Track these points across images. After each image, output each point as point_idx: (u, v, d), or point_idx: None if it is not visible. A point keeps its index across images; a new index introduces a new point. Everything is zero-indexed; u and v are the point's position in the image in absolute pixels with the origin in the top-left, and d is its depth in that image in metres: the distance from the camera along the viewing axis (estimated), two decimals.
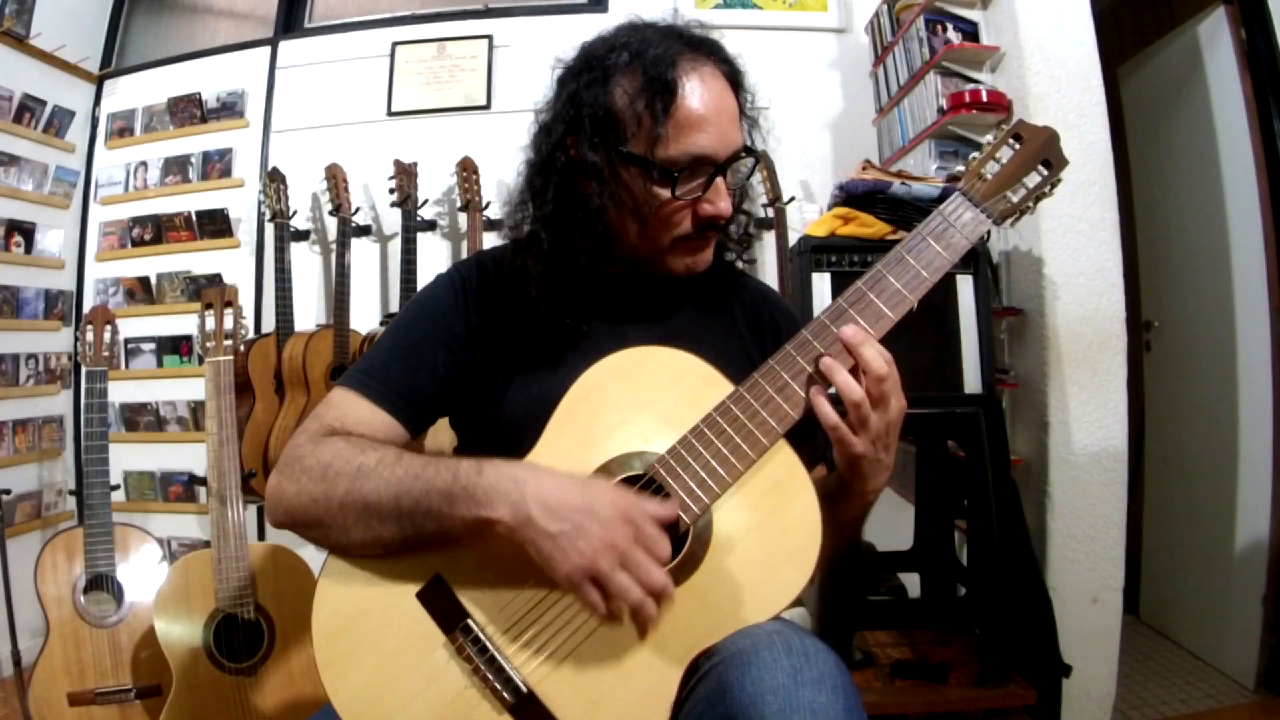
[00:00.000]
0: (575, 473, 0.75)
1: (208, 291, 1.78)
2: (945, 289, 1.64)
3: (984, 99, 1.89)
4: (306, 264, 2.58)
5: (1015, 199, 0.83)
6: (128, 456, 2.59)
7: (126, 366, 2.63)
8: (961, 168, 0.85)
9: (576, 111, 0.85)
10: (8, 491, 2.22)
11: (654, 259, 0.88)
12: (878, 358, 0.74)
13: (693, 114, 0.81)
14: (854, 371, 0.75)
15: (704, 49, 0.85)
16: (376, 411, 0.85)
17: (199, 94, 2.67)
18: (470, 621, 0.74)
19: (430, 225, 2.51)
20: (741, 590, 0.73)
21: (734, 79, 0.87)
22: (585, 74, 0.86)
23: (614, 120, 0.83)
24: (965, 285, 1.64)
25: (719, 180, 0.84)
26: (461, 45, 2.60)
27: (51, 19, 2.54)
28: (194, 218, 2.62)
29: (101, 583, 1.76)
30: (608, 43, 0.87)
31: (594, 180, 0.85)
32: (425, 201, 2.45)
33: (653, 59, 0.82)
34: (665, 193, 0.83)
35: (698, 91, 0.82)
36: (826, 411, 0.75)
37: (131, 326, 2.60)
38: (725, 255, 0.97)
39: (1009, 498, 1.67)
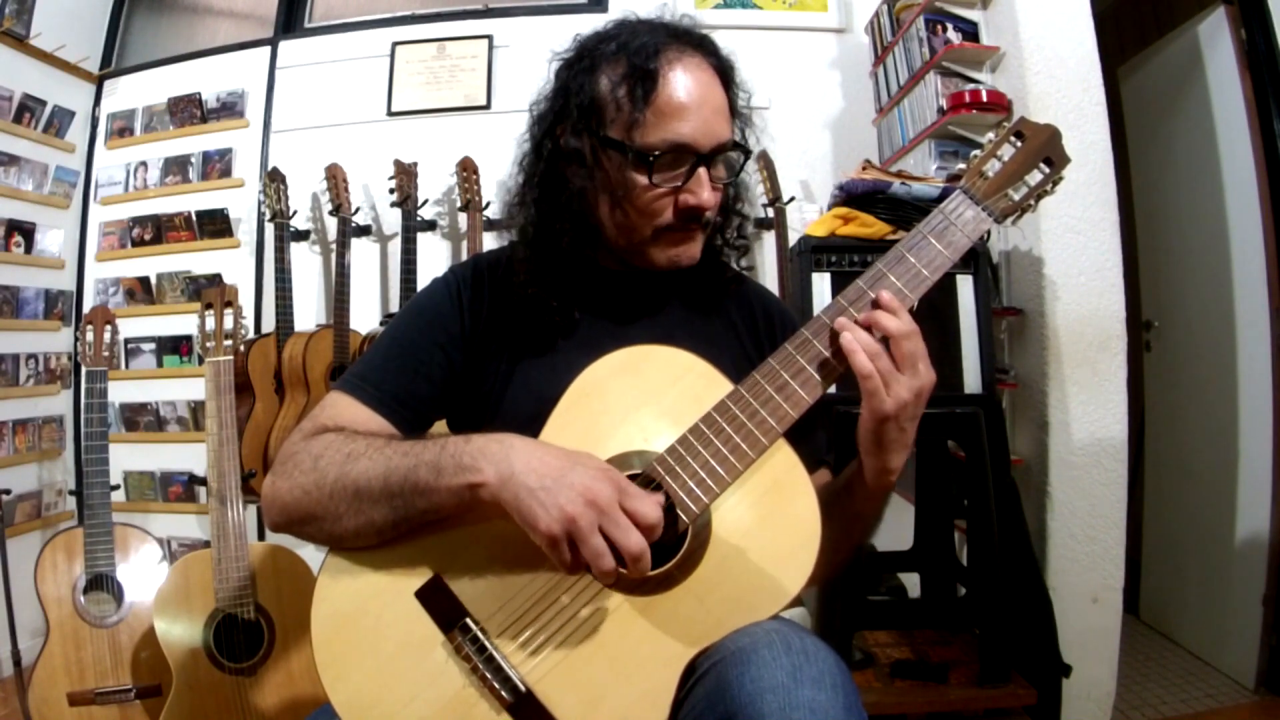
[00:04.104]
0: None
1: (208, 291, 1.78)
2: (945, 289, 1.64)
3: (984, 99, 1.89)
4: (306, 264, 2.58)
5: (1017, 197, 0.82)
6: (128, 456, 2.59)
7: (126, 366, 2.63)
8: (963, 166, 0.85)
9: (565, 100, 0.87)
10: (8, 491, 2.22)
11: (638, 250, 0.89)
12: (900, 323, 0.74)
13: (672, 101, 0.82)
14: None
15: (692, 41, 0.86)
16: (372, 415, 0.85)
17: (199, 94, 2.67)
18: (469, 620, 0.74)
19: (430, 225, 2.52)
20: (741, 589, 0.73)
21: (724, 73, 0.87)
22: (576, 64, 0.88)
23: (597, 106, 0.85)
24: (965, 285, 1.65)
25: (701, 171, 0.84)
26: (461, 45, 2.60)
27: (51, 19, 2.54)
28: (194, 218, 2.62)
29: (101, 583, 1.76)
30: (600, 35, 0.89)
31: (577, 165, 0.86)
32: (425, 201, 2.46)
33: (637, 48, 0.83)
34: (642, 179, 0.83)
35: (680, 80, 0.83)
36: (862, 360, 0.74)
37: (131, 326, 2.60)
38: (721, 257, 0.97)
39: (1009, 498, 1.67)
